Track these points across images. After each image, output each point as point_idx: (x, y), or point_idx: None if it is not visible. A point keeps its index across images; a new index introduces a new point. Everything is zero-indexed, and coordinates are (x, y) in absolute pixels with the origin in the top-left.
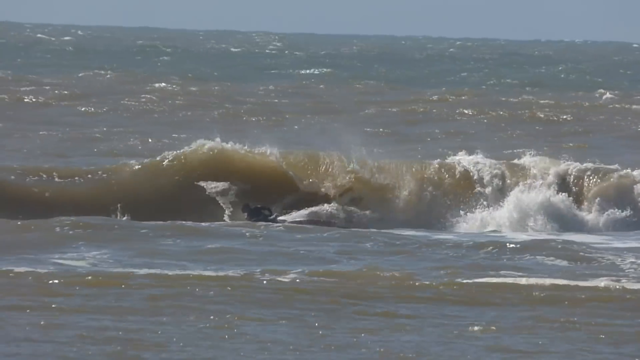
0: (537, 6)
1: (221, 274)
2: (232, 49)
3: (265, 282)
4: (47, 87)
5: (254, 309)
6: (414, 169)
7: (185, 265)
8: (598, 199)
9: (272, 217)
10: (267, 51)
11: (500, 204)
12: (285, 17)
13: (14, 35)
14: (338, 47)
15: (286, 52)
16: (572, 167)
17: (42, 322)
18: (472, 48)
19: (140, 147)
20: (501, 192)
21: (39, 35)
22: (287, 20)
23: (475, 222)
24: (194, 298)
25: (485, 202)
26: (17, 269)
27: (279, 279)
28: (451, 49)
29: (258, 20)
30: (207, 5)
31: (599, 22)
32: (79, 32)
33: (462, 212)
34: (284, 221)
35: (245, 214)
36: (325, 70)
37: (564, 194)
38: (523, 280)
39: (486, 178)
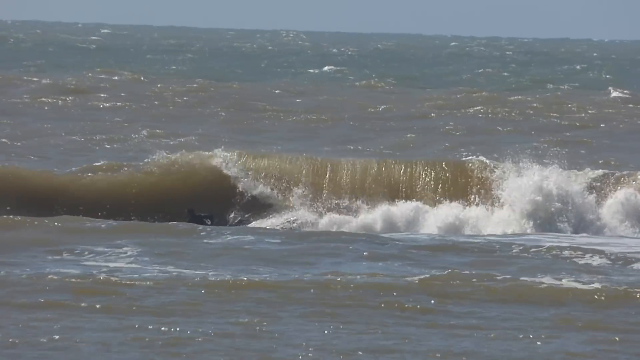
0: (567, 5)
1: (252, 275)
2: (254, 46)
3: (298, 283)
4: (66, 86)
5: (287, 309)
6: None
7: (217, 266)
8: (621, 203)
9: (212, 226)
10: (294, 48)
11: (526, 206)
12: (320, 15)
13: (40, 33)
14: (363, 45)
15: (309, 52)
16: (595, 172)
17: (69, 325)
18: (498, 47)
19: (153, 146)
20: (521, 195)
21: (63, 35)
22: (321, 18)
23: (499, 224)
24: (226, 299)
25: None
26: (46, 270)
27: (315, 279)
28: (480, 47)
29: (292, 19)
30: (238, 4)
31: (629, 21)
32: (107, 30)
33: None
34: None
35: (187, 218)
36: (342, 68)
37: (588, 197)
38: (552, 282)
39: (503, 179)
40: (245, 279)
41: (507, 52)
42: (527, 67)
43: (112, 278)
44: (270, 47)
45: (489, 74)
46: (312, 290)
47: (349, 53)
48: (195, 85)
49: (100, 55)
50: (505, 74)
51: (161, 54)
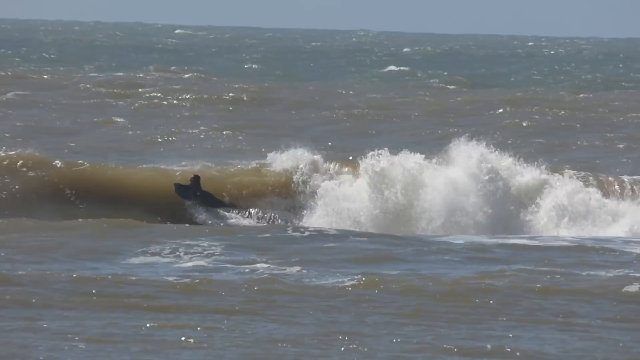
0: None
1: (337, 277)
2: (334, 45)
3: (384, 284)
4: (137, 83)
5: (374, 310)
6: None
7: (303, 265)
8: None
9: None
10: (369, 48)
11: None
12: (412, 17)
13: (119, 35)
14: (439, 45)
15: (387, 50)
16: None
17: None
18: (575, 46)
19: (224, 144)
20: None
21: (141, 37)
22: (411, 20)
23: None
24: (313, 300)
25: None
26: (129, 269)
27: (400, 278)
28: (558, 48)
29: (370, 20)
30: (316, 6)
31: None
32: (185, 31)
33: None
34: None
35: (191, 182)
36: (413, 68)
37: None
38: None
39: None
40: (331, 279)
41: (584, 51)
42: (602, 66)
43: (196, 278)
44: (346, 47)
45: (562, 73)
46: (395, 290)
47: (423, 52)
48: (266, 84)
49: (175, 55)
50: (587, 75)
51: (237, 53)
